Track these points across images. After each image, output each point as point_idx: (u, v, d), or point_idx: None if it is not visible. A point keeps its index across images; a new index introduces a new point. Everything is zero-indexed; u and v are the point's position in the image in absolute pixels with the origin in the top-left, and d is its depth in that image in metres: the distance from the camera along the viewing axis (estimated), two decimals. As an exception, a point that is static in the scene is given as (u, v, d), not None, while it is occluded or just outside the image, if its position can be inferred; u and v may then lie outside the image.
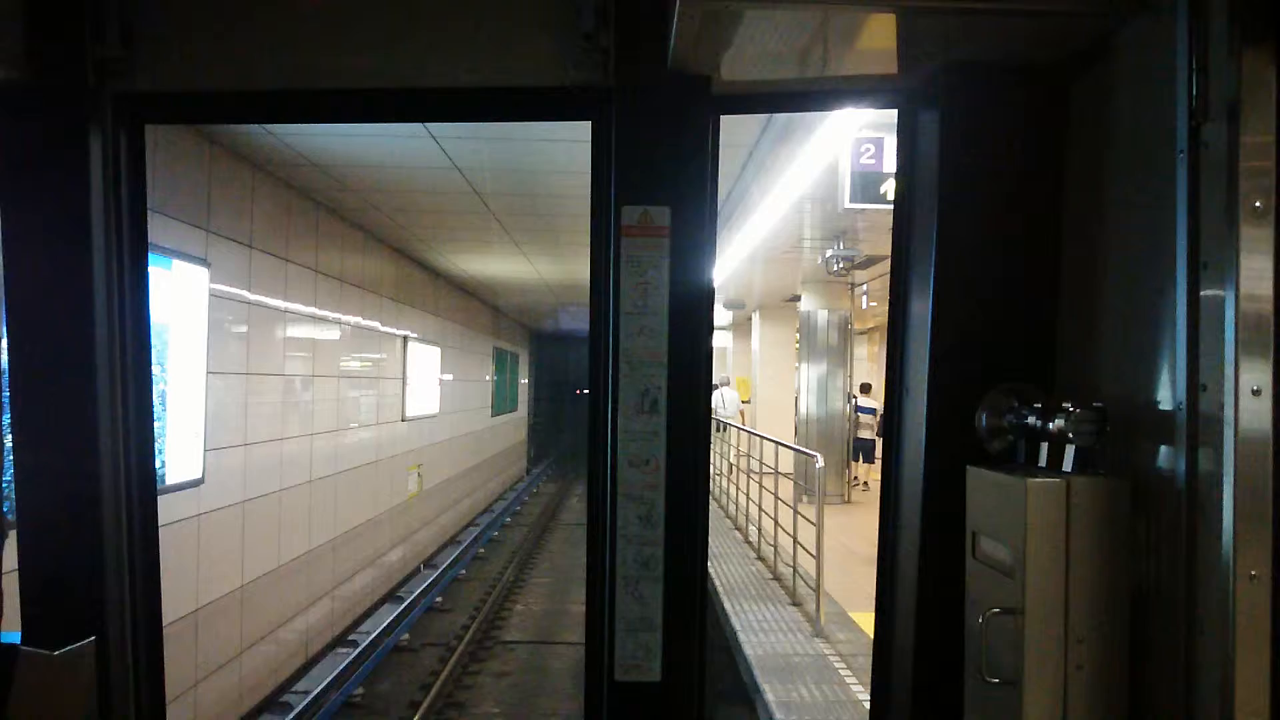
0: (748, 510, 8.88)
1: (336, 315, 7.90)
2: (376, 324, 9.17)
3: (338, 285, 8.08)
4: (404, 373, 10.49)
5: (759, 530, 7.85)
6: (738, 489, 9.93)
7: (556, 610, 10.80)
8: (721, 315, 16.91)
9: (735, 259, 9.51)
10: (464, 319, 14.59)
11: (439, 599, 10.19)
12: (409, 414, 10.58)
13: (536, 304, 16.86)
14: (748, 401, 18.13)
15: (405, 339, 10.48)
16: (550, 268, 11.34)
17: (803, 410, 11.17)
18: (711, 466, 14.01)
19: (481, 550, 13.63)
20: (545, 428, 31.09)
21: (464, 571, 11.84)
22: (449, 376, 13.05)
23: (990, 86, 1.96)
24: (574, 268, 11.12)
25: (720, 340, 19.09)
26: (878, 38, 1.98)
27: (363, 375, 8.86)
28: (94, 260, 2.09)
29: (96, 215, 2.10)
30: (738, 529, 9.35)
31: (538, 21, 2.09)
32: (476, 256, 10.67)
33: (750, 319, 16.07)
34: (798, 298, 12.67)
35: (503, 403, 19.51)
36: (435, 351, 12.02)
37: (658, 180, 2.08)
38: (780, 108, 3.19)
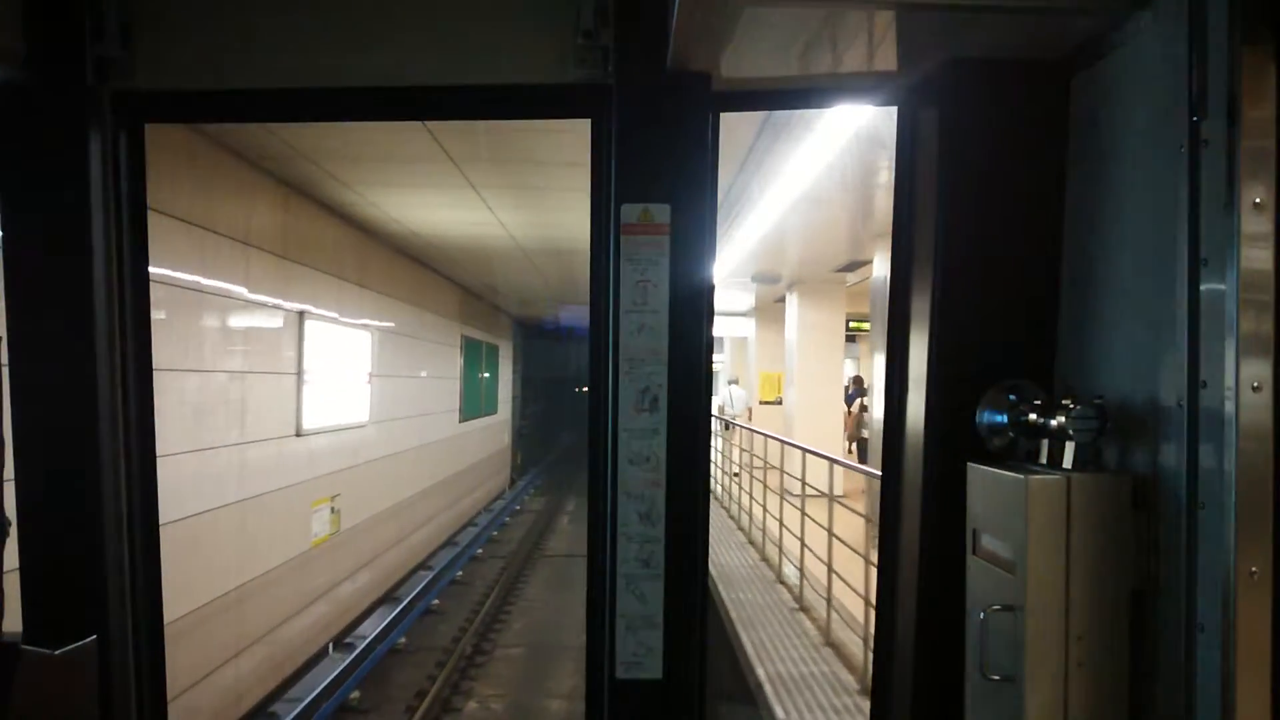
0: (795, 555, 7.33)
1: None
2: (240, 289, 6.69)
3: (153, 219, 4.70)
4: (300, 365, 7.90)
5: (828, 605, 5.85)
6: (764, 509, 9.07)
7: (527, 705, 8.44)
8: (739, 300, 16.74)
9: (766, 220, 8.22)
10: (413, 296, 12.45)
11: (355, 693, 7.87)
12: (310, 425, 8.02)
13: (512, 280, 15.25)
14: (775, 401, 17.07)
15: (301, 316, 7.97)
16: (516, 218, 9.27)
17: (878, 415, 9.09)
18: (720, 472, 13.82)
19: (435, 603, 11.68)
20: (535, 431, 29.95)
21: (403, 640, 9.74)
22: (389, 372, 10.98)
23: (990, 83, 2.07)
24: (549, 219, 9.20)
25: (739, 328, 18.92)
26: (877, 34, 2.06)
27: (207, 369, 6.25)
28: (94, 259, 2.17)
29: (96, 214, 2.18)
30: (782, 582, 7.59)
31: (537, 20, 2.22)
32: (412, 196, 8.39)
33: (783, 299, 14.82)
34: (856, 264, 11.25)
35: (476, 405, 17.76)
36: (362, 338, 9.86)
37: (657, 178, 2.17)
38: (780, 105, 3.40)
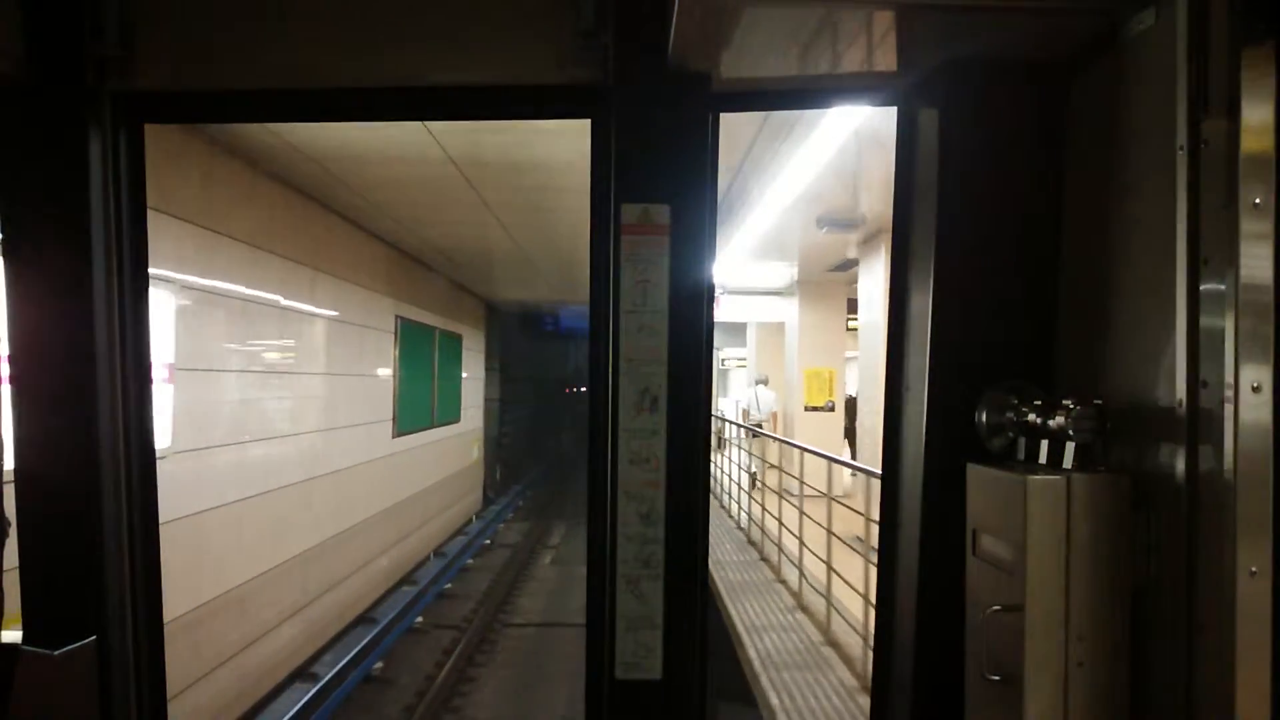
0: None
1: None
2: None
3: None
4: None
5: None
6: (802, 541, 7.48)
7: None
8: (774, 274, 13.85)
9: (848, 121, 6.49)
10: (288, 246, 8.42)
11: None
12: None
13: (472, 240, 11.23)
14: (826, 407, 13.52)
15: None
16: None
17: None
18: (737, 490, 12.23)
19: (324, 726, 9.81)
20: (520, 441, 26.33)
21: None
22: (226, 364, 7.50)
23: (990, 84, 2.32)
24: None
25: (772, 311, 15.74)
26: (877, 35, 2.26)
27: None
28: (94, 259, 2.38)
29: (96, 214, 2.40)
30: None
31: (537, 20, 2.45)
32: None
33: (848, 265, 11.83)
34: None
35: (424, 411, 14.09)
36: (161, 302, 6.69)
37: (657, 178, 2.37)
38: (779, 105, 3.55)
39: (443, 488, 15.83)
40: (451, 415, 16.45)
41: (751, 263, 12.83)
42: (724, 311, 16.52)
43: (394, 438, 12.30)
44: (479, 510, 19.13)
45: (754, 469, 12.33)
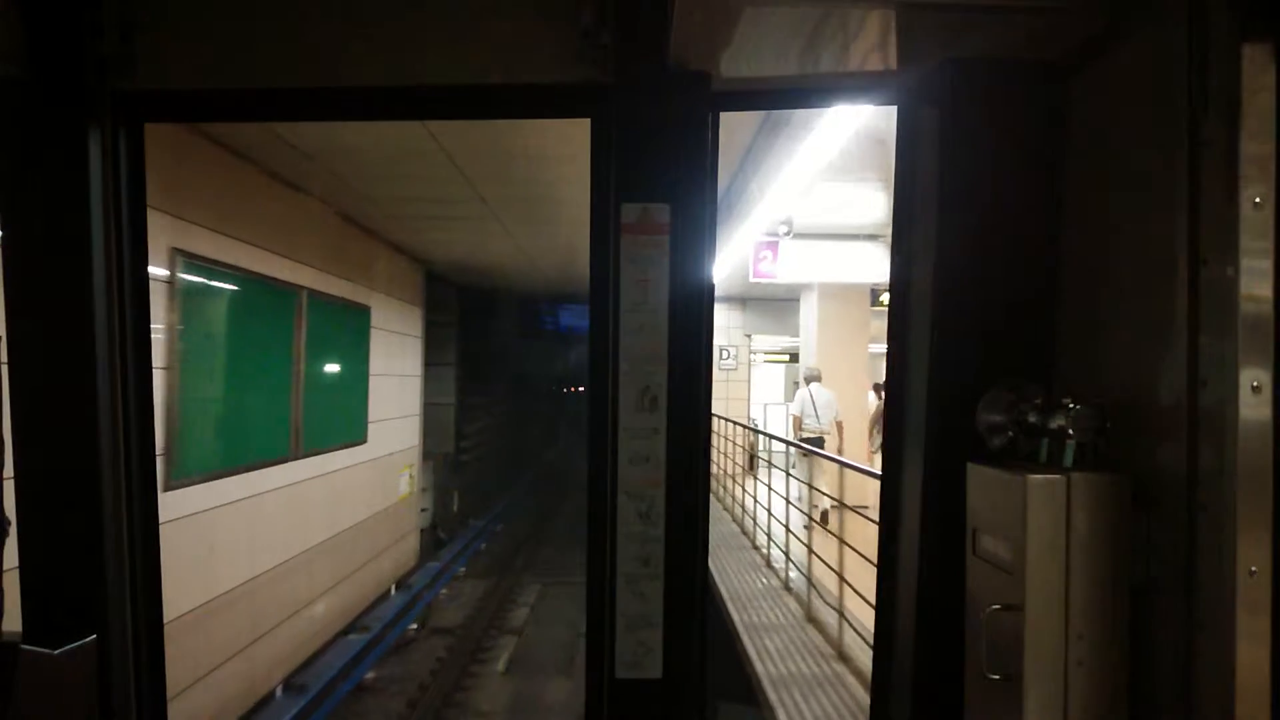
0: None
1: None
2: None
3: None
4: None
5: None
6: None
7: None
8: (858, 201, 9.44)
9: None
10: None
11: None
12: None
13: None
14: None
15: None
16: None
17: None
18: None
19: None
20: (488, 457, 20.26)
21: None
22: None
23: (990, 83, 2.36)
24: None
25: (847, 265, 11.49)
26: (877, 34, 2.31)
27: None
28: (94, 259, 2.44)
29: (96, 214, 2.46)
30: None
31: (537, 19, 2.53)
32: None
33: None
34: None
35: (271, 432, 8.81)
36: None
37: (657, 177, 2.43)
38: (779, 104, 3.66)
39: (324, 557, 10.14)
40: (348, 434, 11.05)
41: (829, 182, 7.99)
42: (783, 268, 11.46)
43: (168, 489, 6.67)
44: (409, 571, 13.63)
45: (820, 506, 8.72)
